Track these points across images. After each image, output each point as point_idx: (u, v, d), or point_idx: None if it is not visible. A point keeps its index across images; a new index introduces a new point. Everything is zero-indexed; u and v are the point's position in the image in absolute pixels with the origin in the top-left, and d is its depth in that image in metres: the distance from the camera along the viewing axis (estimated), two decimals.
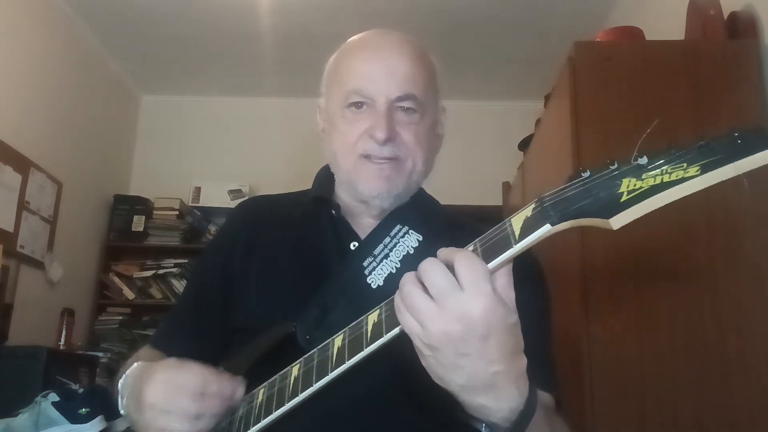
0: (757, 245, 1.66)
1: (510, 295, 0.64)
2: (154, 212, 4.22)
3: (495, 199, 3.52)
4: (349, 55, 1.00)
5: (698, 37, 1.95)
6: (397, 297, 0.64)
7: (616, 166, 0.59)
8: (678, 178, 0.56)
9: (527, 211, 0.62)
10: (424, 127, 0.97)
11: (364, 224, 1.01)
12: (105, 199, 4.21)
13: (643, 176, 0.57)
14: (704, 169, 0.55)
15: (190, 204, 4.29)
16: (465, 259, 0.61)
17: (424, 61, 1.00)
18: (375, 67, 0.95)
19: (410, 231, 0.96)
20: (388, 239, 0.95)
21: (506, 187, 3.37)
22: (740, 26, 1.91)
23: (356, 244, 0.98)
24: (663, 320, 1.64)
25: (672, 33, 2.14)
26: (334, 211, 1.01)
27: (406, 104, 0.94)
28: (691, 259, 1.66)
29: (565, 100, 1.85)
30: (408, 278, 0.63)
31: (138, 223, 4.18)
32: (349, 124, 0.96)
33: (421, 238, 0.95)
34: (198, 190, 4.32)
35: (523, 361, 0.66)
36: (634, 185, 0.57)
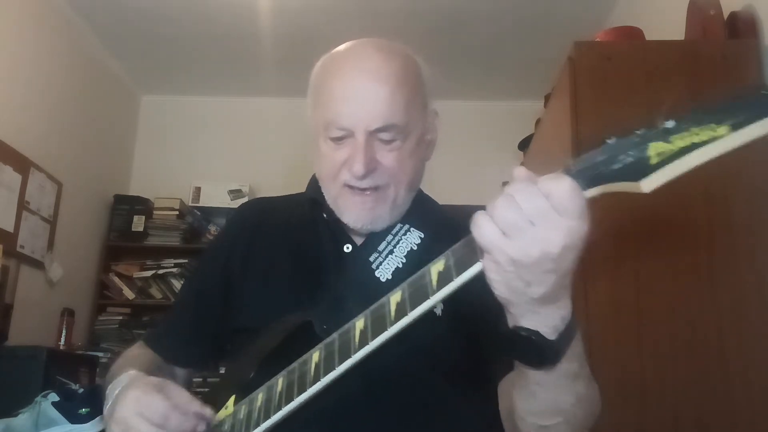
0: (757, 244, 1.66)
1: None
2: (154, 212, 4.22)
3: None
4: (328, 78, 0.96)
5: (698, 37, 1.95)
6: (480, 213, 0.62)
7: (642, 131, 0.58)
8: (708, 138, 0.55)
9: None
10: (407, 149, 0.94)
11: None
12: (105, 199, 4.21)
13: (671, 139, 0.56)
14: (734, 128, 0.54)
15: (190, 204, 4.29)
16: (566, 187, 0.59)
17: (407, 77, 0.95)
18: (352, 97, 0.92)
19: (411, 229, 0.97)
20: (390, 237, 0.96)
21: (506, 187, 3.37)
22: (740, 26, 1.91)
23: (349, 246, 0.99)
24: (663, 320, 1.64)
25: (672, 33, 2.14)
26: (325, 215, 1.01)
27: (384, 135, 0.92)
28: (691, 259, 1.66)
29: (565, 100, 1.85)
30: (502, 197, 0.61)
31: (138, 223, 4.17)
32: (332, 152, 0.95)
33: (422, 236, 0.96)
34: (198, 190, 4.31)
35: None
36: (663, 148, 0.56)
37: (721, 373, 1.59)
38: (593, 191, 0.59)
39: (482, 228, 0.61)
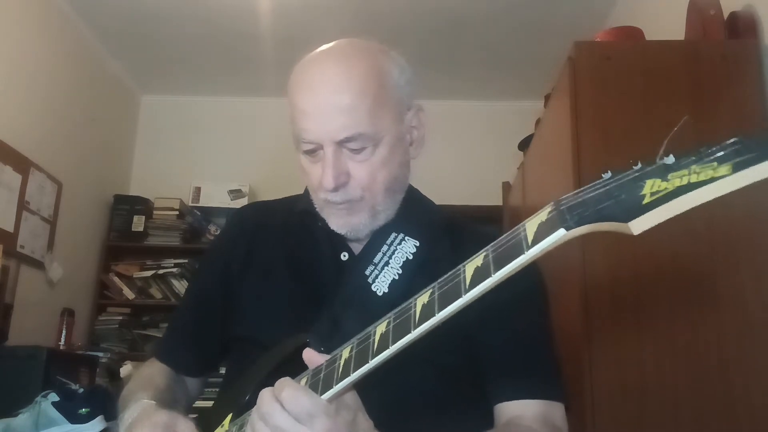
0: (757, 244, 1.66)
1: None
2: (154, 212, 4.22)
3: (495, 199, 3.52)
4: (293, 91, 0.96)
5: (698, 37, 1.95)
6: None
7: (639, 166, 0.55)
8: (707, 178, 0.51)
9: (542, 215, 0.59)
10: (379, 156, 0.92)
11: None
12: (105, 199, 4.21)
13: (669, 176, 0.53)
14: (736, 168, 0.51)
15: (190, 204, 4.29)
16: (292, 398, 0.68)
17: (370, 83, 0.91)
18: (314, 111, 0.91)
19: (406, 237, 0.96)
20: (385, 247, 0.96)
21: (506, 187, 3.37)
22: (740, 26, 1.91)
23: (346, 254, 0.99)
24: (663, 322, 1.64)
25: (672, 33, 2.14)
26: (320, 223, 0.99)
27: (352, 145, 0.91)
28: (691, 261, 1.66)
29: (565, 100, 1.85)
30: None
31: (138, 223, 4.18)
32: (309, 167, 0.96)
33: (418, 244, 0.96)
34: (198, 190, 4.32)
35: None
36: (659, 186, 0.53)
37: (721, 373, 1.59)
38: (581, 230, 0.57)
39: None
